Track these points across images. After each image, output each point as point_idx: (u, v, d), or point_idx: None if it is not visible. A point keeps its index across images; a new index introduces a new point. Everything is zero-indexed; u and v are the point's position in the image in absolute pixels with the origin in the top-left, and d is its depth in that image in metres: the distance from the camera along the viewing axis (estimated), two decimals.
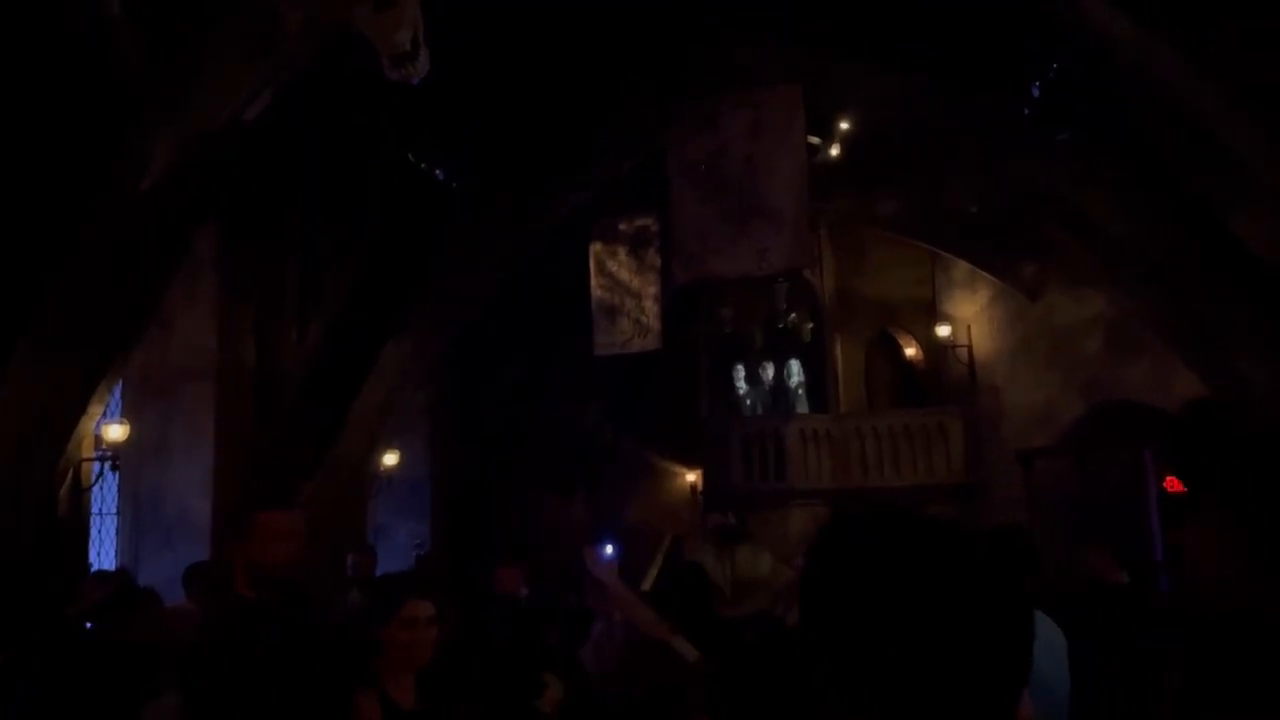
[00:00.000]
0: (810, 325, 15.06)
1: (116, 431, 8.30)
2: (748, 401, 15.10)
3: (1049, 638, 2.53)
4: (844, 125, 11.64)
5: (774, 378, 15.07)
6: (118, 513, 9.58)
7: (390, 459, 11.87)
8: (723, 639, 2.94)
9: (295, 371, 9.93)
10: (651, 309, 12.21)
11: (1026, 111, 8.74)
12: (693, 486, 16.17)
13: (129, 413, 9.46)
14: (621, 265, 12.37)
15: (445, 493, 13.50)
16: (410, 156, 9.35)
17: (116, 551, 9.52)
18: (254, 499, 9.46)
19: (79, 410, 7.63)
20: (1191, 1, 6.09)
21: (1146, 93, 6.90)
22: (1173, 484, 11.15)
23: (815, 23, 9.22)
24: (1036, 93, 8.63)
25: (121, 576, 6.52)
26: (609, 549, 15.18)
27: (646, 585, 11.12)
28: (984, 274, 13.30)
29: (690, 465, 16.17)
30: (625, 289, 12.33)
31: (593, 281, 12.29)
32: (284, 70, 6.37)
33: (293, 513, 3.34)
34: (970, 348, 13.70)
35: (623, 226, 12.37)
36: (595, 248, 12.32)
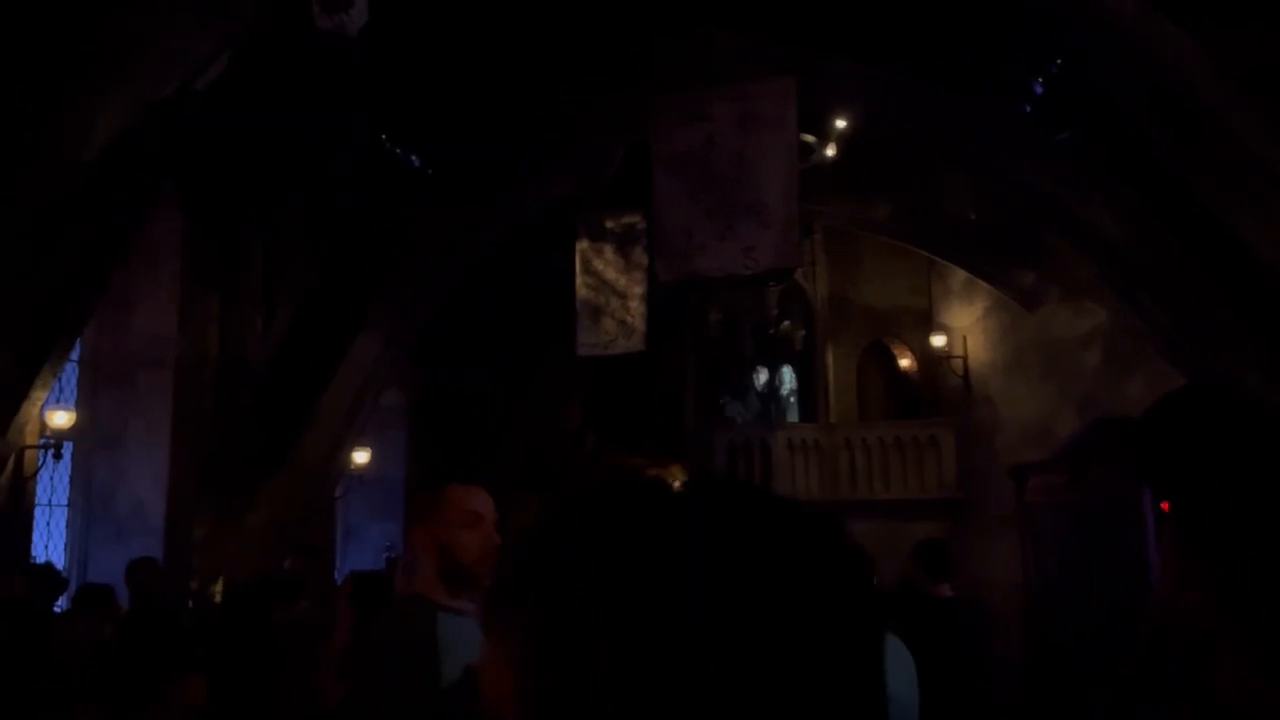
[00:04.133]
0: (802, 333, 14.68)
1: (62, 418, 7.90)
2: (737, 409, 14.71)
3: (900, 657, 2.56)
4: (840, 125, 11.29)
5: (764, 385, 14.68)
6: (68, 504, 9.17)
7: (361, 457, 11.47)
8: None
9: (259, 362, 9.53)
10: (637, 309, 11.83)
11: (1027, 109, 8.38)
12: None
13: (83, 399, 9.08)
14: (607, 264, 11.99)
15: (419, 494, 13.09)
16: (384, 140, 8.96)
17: (65, 544, 9.12)
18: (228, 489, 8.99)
19: (20, 395, 7.24)
20: None
21: (1153, 89, 6.53)
22: (1167, 506, 10.72)
23: (807, 17, 8.87)
24: (1038, 90, 8.27)
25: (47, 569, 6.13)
26: None
27: None
28: (981, 283, 12.92)
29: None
30: (611, 288, 11.95)
31: (578, 280, 11.91)
32: (236, 36, 5.98)
33: (484, 492, 2.54)
34: (965, 359, 13.32)
35: (609, 224, 11.99)
36: (581, 245, 11.94)
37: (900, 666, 2.58)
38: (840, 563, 0.68)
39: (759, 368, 14.58)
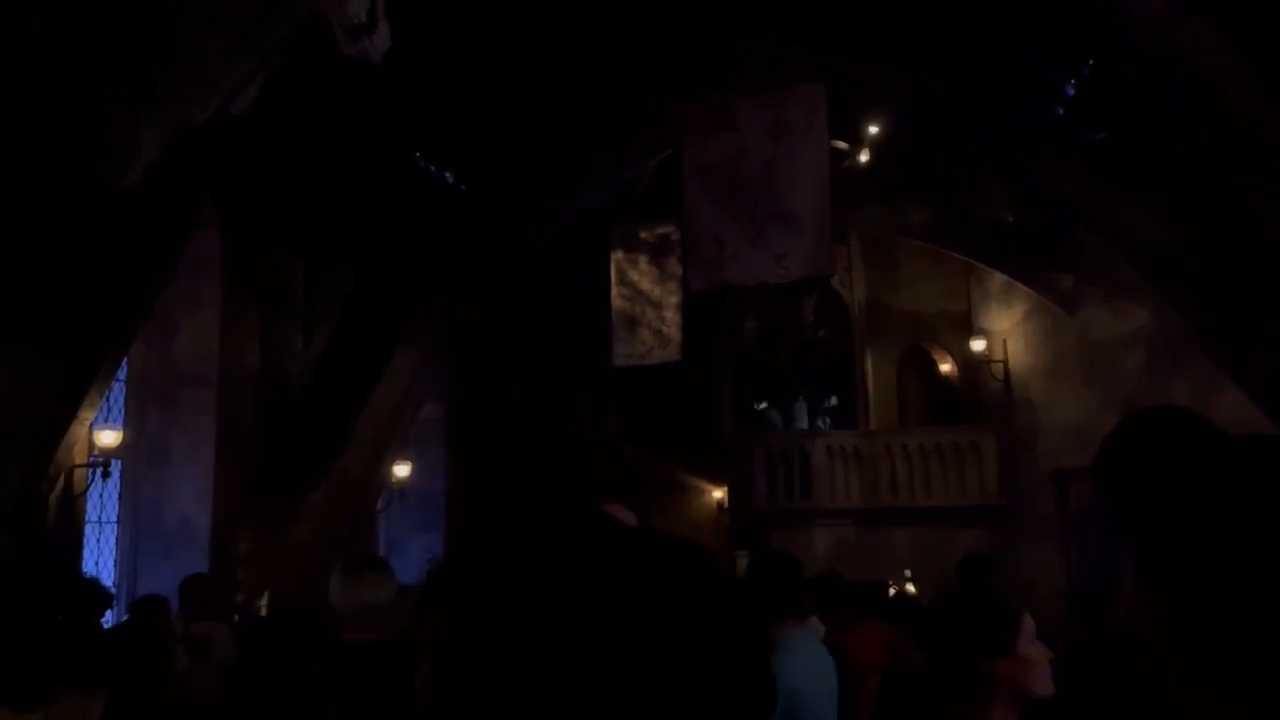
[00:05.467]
0: (839, 339, 14.63)
1: (109, 437, 8.08)
2: (774, 416, 14.66)
3: (821, 666, 2.86)
4: (872, 130, 11.25)
5: (801, 394, 14.63)
6: (117, 521, 9.37)
7: (402, 470, 11.60)
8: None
9: (300, 377, 9.69)
10: (672, 319, 11.88)
11: (1059, 111, 8.29)
12: (719, 503, 15.74)
13: (130, 418, 9.28)
14: (642, 274, 12.06)
15: (460, 505, 13.21)
16: (418, 157, 9.09)
17: (115, 561, 9.32)
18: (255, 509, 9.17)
19: (68, 414, 7.42)
20: None
21: (1185, 91, 6.44)
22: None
23: (833, 23, 8.85)
24: (1071, 91, 8.18)
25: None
26: None
27: None
28: (1020, 286, 12.79)
29: (716, 482, 15.75)
30: (646, 298, 12.01)
31: (613, 291, 11.98)
32: (268, 60, 6.11)
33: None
34: (1006, 363, 13.18)
35: (644, 234, 12.06)
36: (616, 256, 12.02)
37: (821, 675, 2.92)
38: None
39: (796, 374, 14.50)
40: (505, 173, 9.47)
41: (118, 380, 8.98)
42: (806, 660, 2.90)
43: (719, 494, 15.73)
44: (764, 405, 14.54)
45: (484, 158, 9.14)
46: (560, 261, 11.40)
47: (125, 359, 8.73)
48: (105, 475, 8.15)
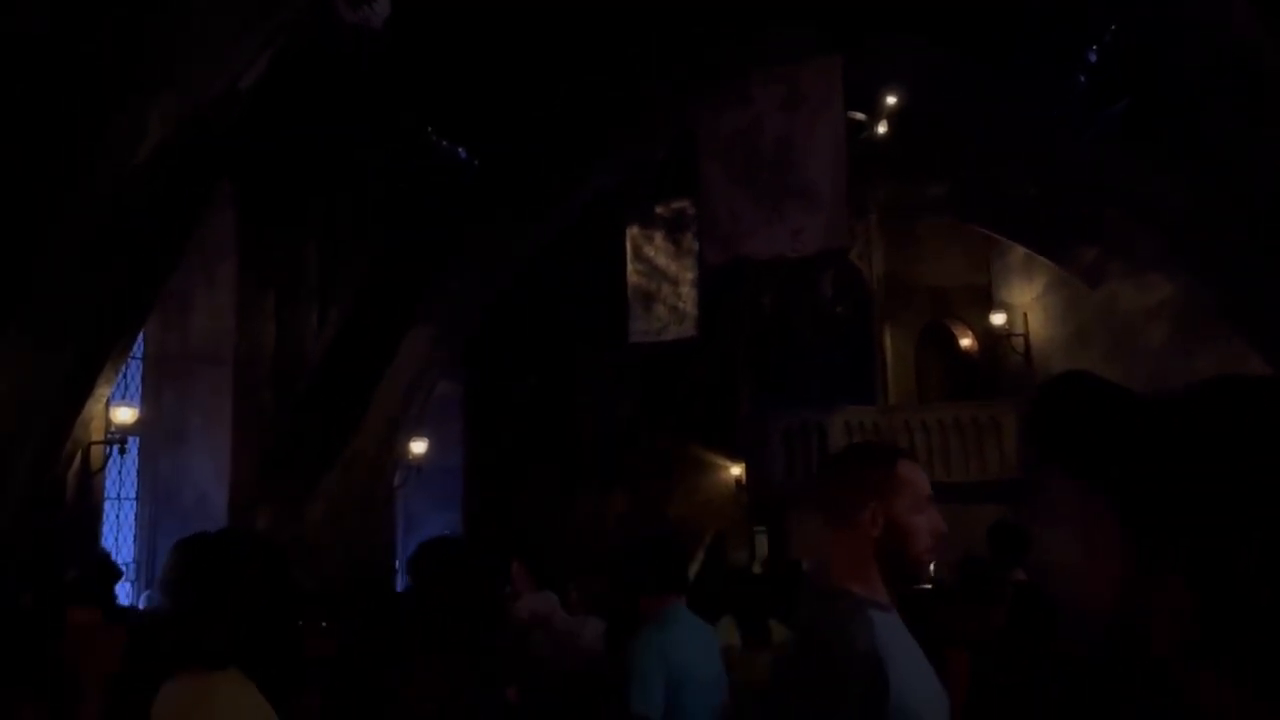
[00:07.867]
0: (858, 314, 14.51)
1: (125, 414, 8.12)
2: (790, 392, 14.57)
3: (704, 638, 2.99)
4: (890, 101, 11.09)
5: (819, 369, 14.53)
6: (136, 497, 9.44)
7: (419, 447, 11.61)
8: None
9: (315, 357, 9.69)
10: (689, 295, 11.78)
11: (1081, 79, 8.13)
12: (737, 480, 15.69)
13: (147, 396, 9.33)
14: (658, 250, 11.96)
15: (478, 482, 13.23)
16: (430, 133, 9.04)
17: (135, 536, 9.39)
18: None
19: (85, 391, 7.45)
20: None
21: (1211, 59, 6.28)
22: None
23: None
24: (1092, 58, 8.02)
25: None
26: None
27: None
28: (1042, 259, 12.61)
29: (734, 458, 15.69)
30: (662, 274, 11.92)
31: (629, 267, 11.89)
32: (276, 36, 6.06)
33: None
34: (1027, 336, 13.03)
35: (659, 210, 11.95)
36: (632, 232, 11.92)
37: (706, 645, 2.99)
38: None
39: (813, 349, 14.42)
40: (515, 164, 9.42)
41: (134, 358, 9.03)
42: (685, 639, 2.92)
43: (737, 471, 15.68)
44: None
45: (487, 156, 9.11)
46: (572, 251, 11.37)
47: (142, 337, 8.78)
48: (123, 452, 8.20)
